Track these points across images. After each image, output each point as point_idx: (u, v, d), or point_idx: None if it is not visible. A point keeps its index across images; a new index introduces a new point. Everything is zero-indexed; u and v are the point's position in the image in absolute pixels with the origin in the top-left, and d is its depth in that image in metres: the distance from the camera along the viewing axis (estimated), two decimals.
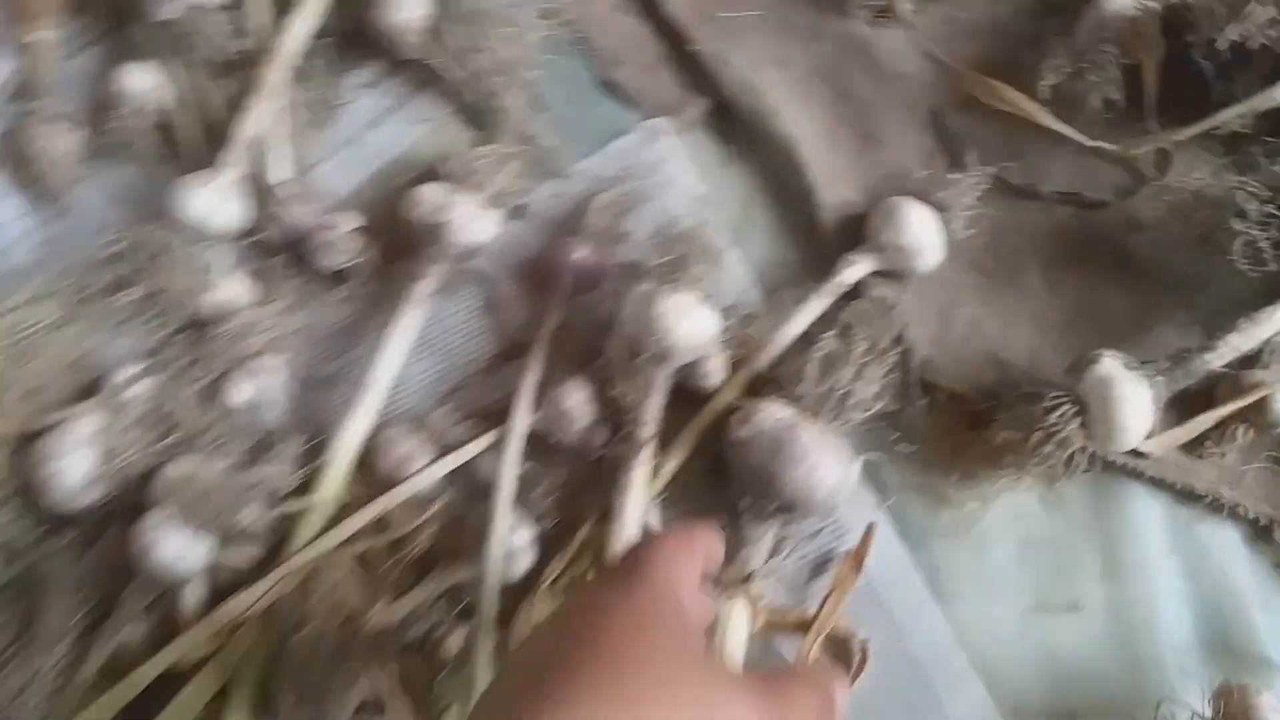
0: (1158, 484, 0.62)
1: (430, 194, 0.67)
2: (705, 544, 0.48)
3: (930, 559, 0.63)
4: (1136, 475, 0.62)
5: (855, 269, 0.65)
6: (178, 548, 0.60)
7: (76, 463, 0.63)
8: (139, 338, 0.71)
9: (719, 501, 0.63)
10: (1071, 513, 0.63)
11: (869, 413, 0.61)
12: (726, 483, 0.62)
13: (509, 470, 0.63)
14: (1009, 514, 0.63)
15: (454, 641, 0.62)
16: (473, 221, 0.66)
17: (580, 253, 0.67)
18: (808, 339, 0.64)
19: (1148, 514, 0.62)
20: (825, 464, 0.57)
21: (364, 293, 0.71)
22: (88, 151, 0.76)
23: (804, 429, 0.58)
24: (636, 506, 0.61)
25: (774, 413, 0.59)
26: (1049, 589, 0.62)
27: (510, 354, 0.69)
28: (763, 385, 0.64)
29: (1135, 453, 0.59)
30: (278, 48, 0.71)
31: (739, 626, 0.59)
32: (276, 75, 0.71)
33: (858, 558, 0.61)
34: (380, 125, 0.75)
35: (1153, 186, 0.66)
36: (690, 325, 0.59)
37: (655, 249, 0.62)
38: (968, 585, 0.62)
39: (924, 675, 0.61)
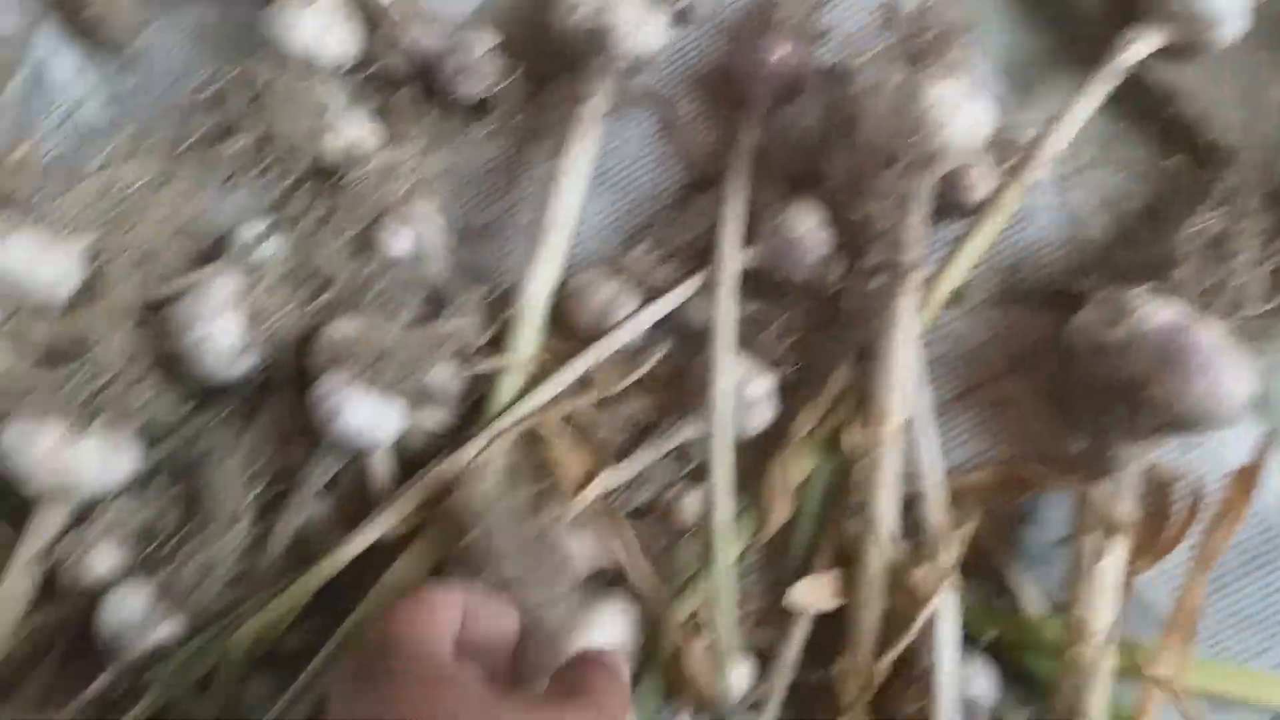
0: None
1: None
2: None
3: None
4: None
5: (1136, 48, 0.54)
6: (369, 412, 0.51)
7: (224, 327, 0.53)
8: (253, 193, 0.61)
9: (1060, 415, 0.55)
10: None
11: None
12: (1069, 392, 0.54)
13: (725, 311, 0.53)
14: None
15: (689, 505, 0.54)
16: (641, 24, 0.56)
17: (777, 54, 0.57)
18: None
19: None
20: (1232, 374, 0.46)
21: (512, 125, 0.61)
22: None
23: (1203, 330, 0.47)
24: (906, 344, 0.52)
25: (1156, 310, 0.48)
26: None
27: (700, 184, 0.60)
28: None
29: None
30: None
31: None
32: None
33: (1247, 479, 0.50)
34: None
35: None
36: (965, 119, 0.49)
37: (899, 29, 0.52)
38: None
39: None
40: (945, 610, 0.50)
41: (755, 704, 0.53)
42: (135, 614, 0.52)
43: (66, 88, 0.64)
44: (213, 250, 0.60)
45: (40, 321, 0.55)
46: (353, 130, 0.59)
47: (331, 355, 0.52)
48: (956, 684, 0.49)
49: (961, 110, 0.49)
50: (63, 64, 0.64)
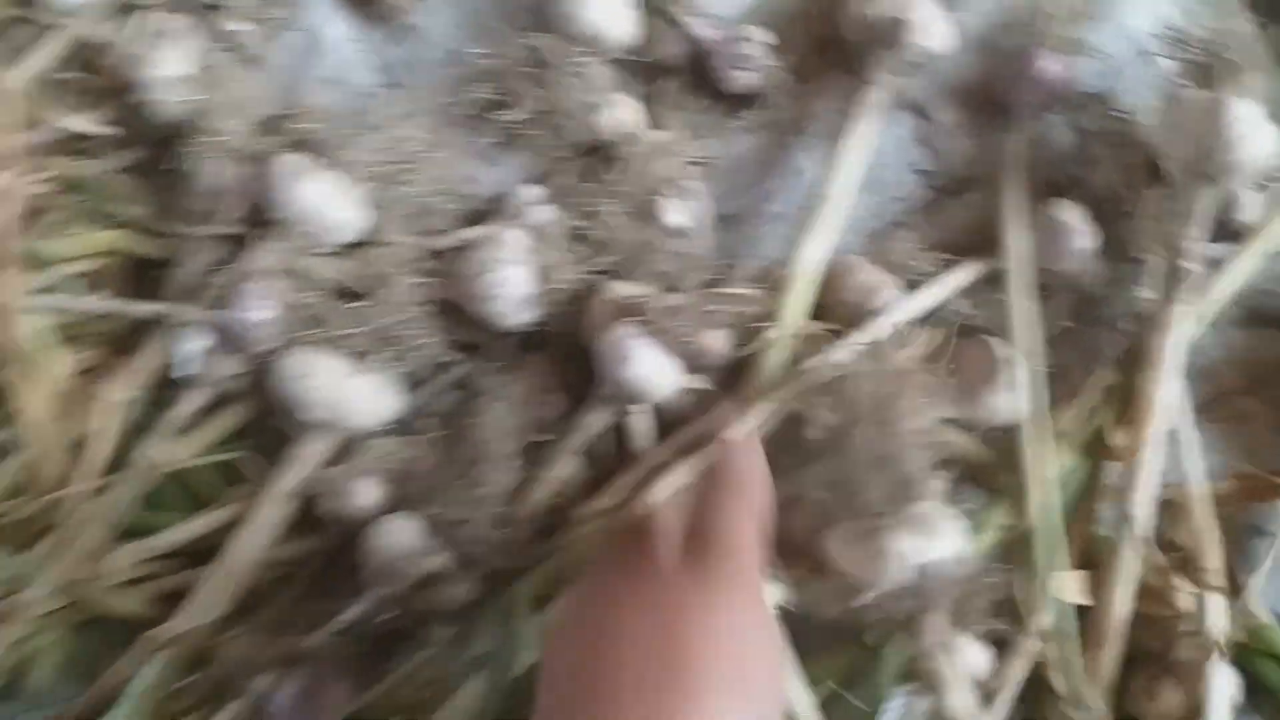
0: None
1: None
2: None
3: None
4: None
5: None
6: (653, 364, 0.53)
7: (517, 276, 0.56)
8: (519, 162, 0.63)
9: None
10: None
11: None
12: None
13: (1020, 299, 0.55)
14: None
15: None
16: (935, 22, 0.59)
17: (1049, 64, 0.59)
18: None
19: None
20: None
21: (772, 119, 0.64)
22: None
23: None
24: (1176, 353, 0.54)
25: None
26: None
27: (950, 189, 0.62)
28: None
29: None
30: None
31: None
32: None
33: None
34: None
35: None
36: (1262, 139, 0.51)
37: (1182, 49, 0.55)
38: None
39: None
40: (1215, 616, 0.51)
41: (988, 694, 0.54)
42: (407, 545, 0.54)
43: (338, 53, 0.67)
44: (479, 213, 0.63)
45: (328, 259, 0.58)
46: (624, 111, 0.62)
47: (618, 310, 0.55)
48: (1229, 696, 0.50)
49: (1260, 129, 0.51)
50: (336, 30, 0.68)
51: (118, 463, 0.59)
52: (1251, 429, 0.59)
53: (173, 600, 0.58)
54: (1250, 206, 0.56)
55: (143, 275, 0.64)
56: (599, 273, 0.58)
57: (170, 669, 0.56)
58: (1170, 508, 0.55)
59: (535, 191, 0.61)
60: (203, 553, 0.58)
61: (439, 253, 0.59)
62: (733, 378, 0.56)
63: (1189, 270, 0.53)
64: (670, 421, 0.56)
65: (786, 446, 0.53)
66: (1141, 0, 0.62)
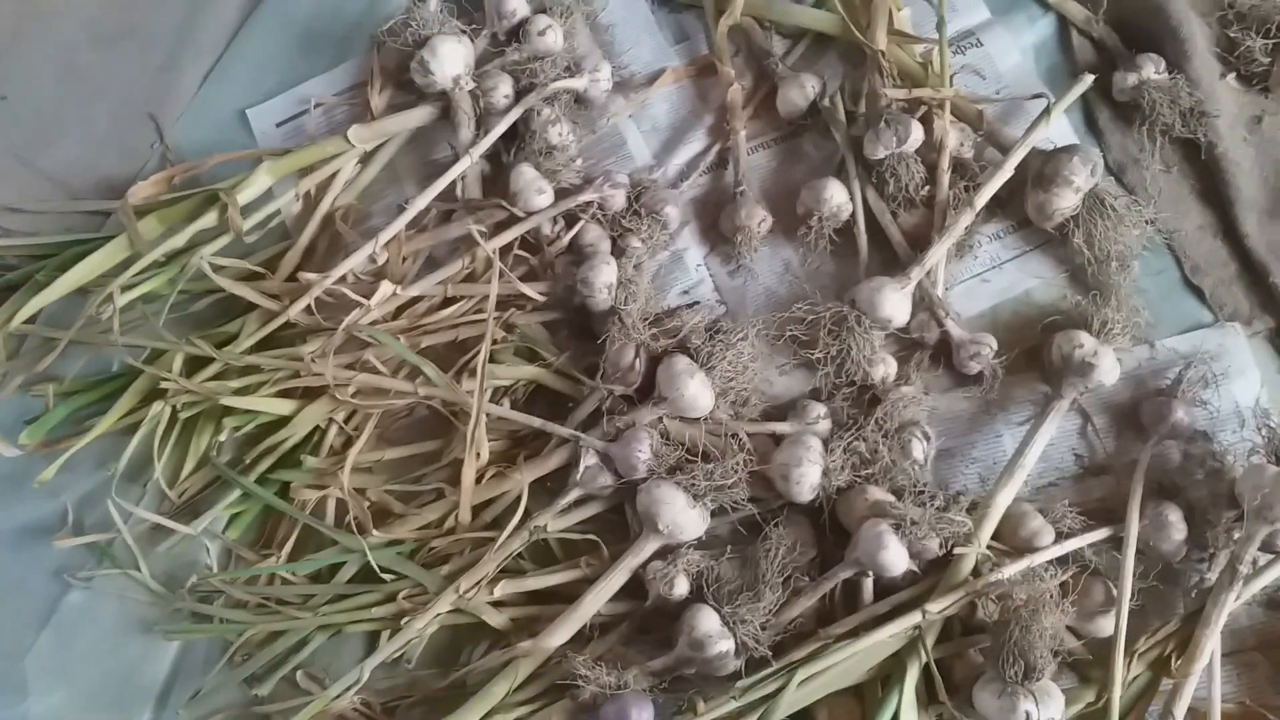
0: None
1: (1088, 340, 0.90)
2: None
3: None
4: None
5: None
6: (897, 551, 0.82)
7: (812, 471, 0.85)
8: (814, 383, 0.94)
9: None
10: None
11: None
12: None
13: (1129, 561, 0.85)
14: None
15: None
16: (1112, 368, 0.90)
17: (1181, 414, 0.90)
18: None
19: None
20: None
21: (986, 396, 0.94)
22: (769, 230, 0.99)
23: None
24: (1222, 619, 0.83)
25: None
26: None
27: (1094, 471, 0.93)
28: None
29: None
30: (975, 203, 0.94)
31: None
32: (965, 220, 0.94)
33: None
34: (1001, 269, 0.99)
35: None
36: None
37: (1266, 429, 0.85)
38: None
39: None
40: None
41: None
42: (711, 629, 0.83)
43: (694, 273, 0.99)
44: (779, 409, 0.93)
45: (684, 424, 0.88)
46: (889, 368, 0.93)
47: (876, 507, 0.84)
48: None
49: None
50: (694, 257, 0.99)
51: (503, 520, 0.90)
52: (1254, 676, 0.88)
53: (523, 624, 0.87)
54: None
55: (542, 399, 0.95)
56: (860, 478, 0.88)
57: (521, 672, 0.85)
58: (1193, 714, 0.84)
59: (821, 408, 0.91)
60: (547, 595, 0.89)
61: (753, 435, 0.89)
62: (937, 568, 0.86)
63: (1241, 571, 0.83)
64: (885, 587, 0.86)
65: (963, 621, 0.84)
66: (1248, 385, 0.93)
